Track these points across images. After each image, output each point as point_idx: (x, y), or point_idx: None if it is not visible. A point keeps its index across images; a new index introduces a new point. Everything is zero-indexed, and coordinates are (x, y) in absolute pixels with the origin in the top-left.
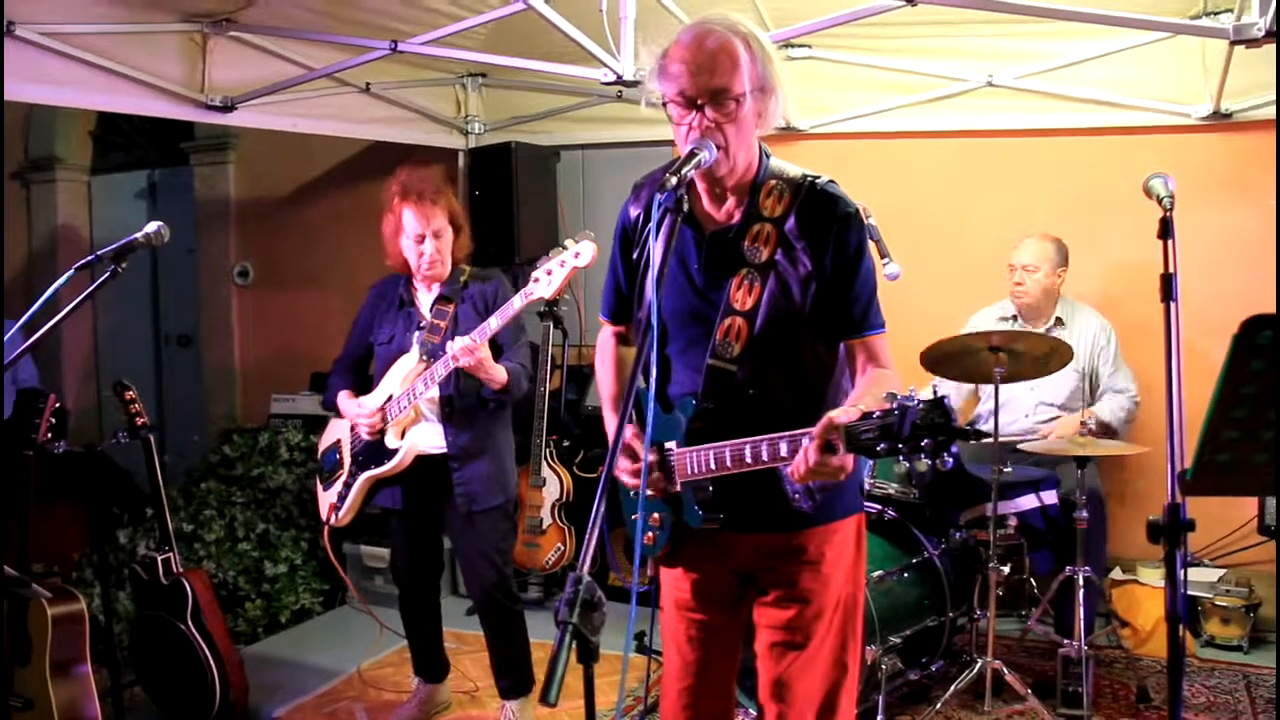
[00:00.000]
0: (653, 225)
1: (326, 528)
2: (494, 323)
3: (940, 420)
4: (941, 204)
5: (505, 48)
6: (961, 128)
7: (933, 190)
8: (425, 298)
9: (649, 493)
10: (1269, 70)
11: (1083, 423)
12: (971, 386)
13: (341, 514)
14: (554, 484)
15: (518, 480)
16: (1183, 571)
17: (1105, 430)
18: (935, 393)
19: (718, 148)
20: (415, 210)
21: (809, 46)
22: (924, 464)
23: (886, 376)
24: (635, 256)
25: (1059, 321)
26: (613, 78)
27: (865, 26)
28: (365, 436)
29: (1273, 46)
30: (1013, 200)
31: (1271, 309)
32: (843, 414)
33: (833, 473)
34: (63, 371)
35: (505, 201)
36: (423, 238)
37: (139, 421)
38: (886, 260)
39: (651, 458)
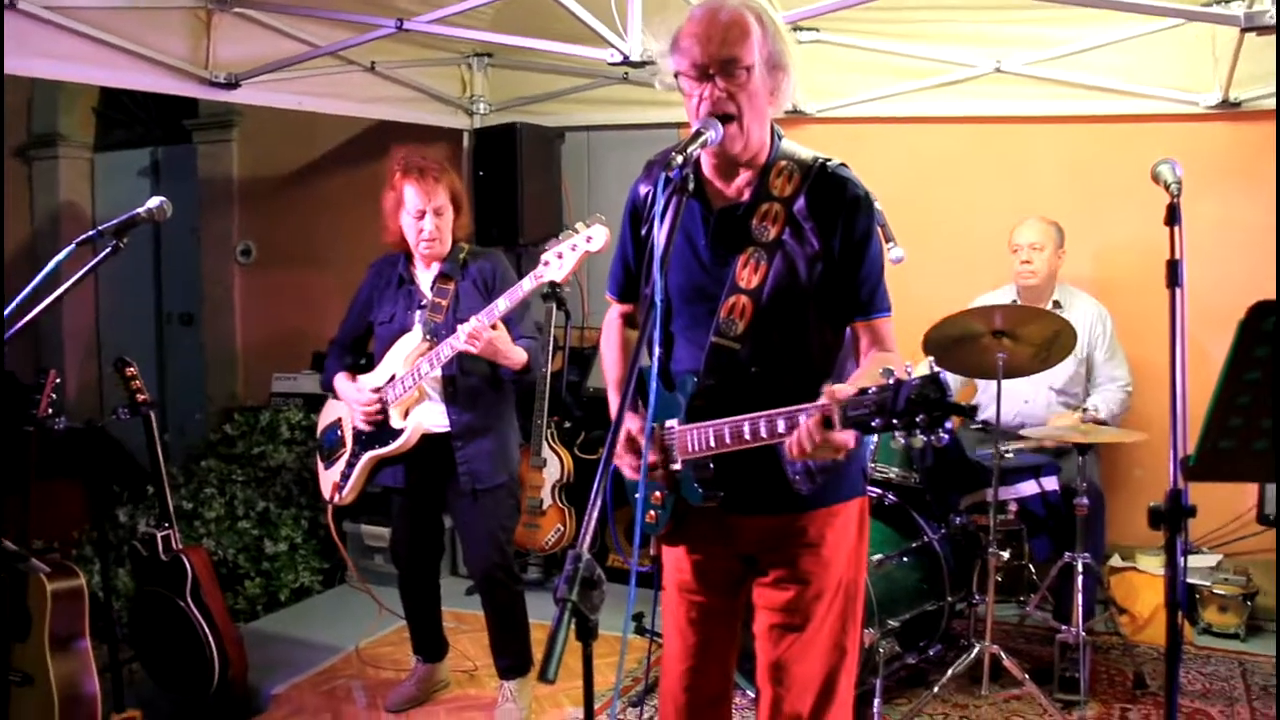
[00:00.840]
0: (658, 204)
1: (330, 507)
2: (503, 304)
3: (935, 396)
4: (947, 189)
5: (511, 27)
6: (969, 113)
7: (939, 175)
8: (425, 276)
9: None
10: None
11: (1081, 419)
12: None
13: (345, 493)
14: (554, 465)
15: (520, 459)
16: (1184, 560)
17: (1099, 423)
18: (932, 368)
19: (731, 117)
20: (417, 186)
21: (817, 30)
22: (919, 440)
23: (890, 359)
24: (644, 233)
25: (1056, 305)
26: (619, 58)
27: (873, 10)
28: (362, 426)
29: None
30: (1019, 186)
31: (1273, 297)
32: (840, 390)
33: (832, 450)
34: (64, 348)
35: (509, 182)
36: (423, 214)
37: (140, 398)
38: (891, 245)
39: (653, 458)
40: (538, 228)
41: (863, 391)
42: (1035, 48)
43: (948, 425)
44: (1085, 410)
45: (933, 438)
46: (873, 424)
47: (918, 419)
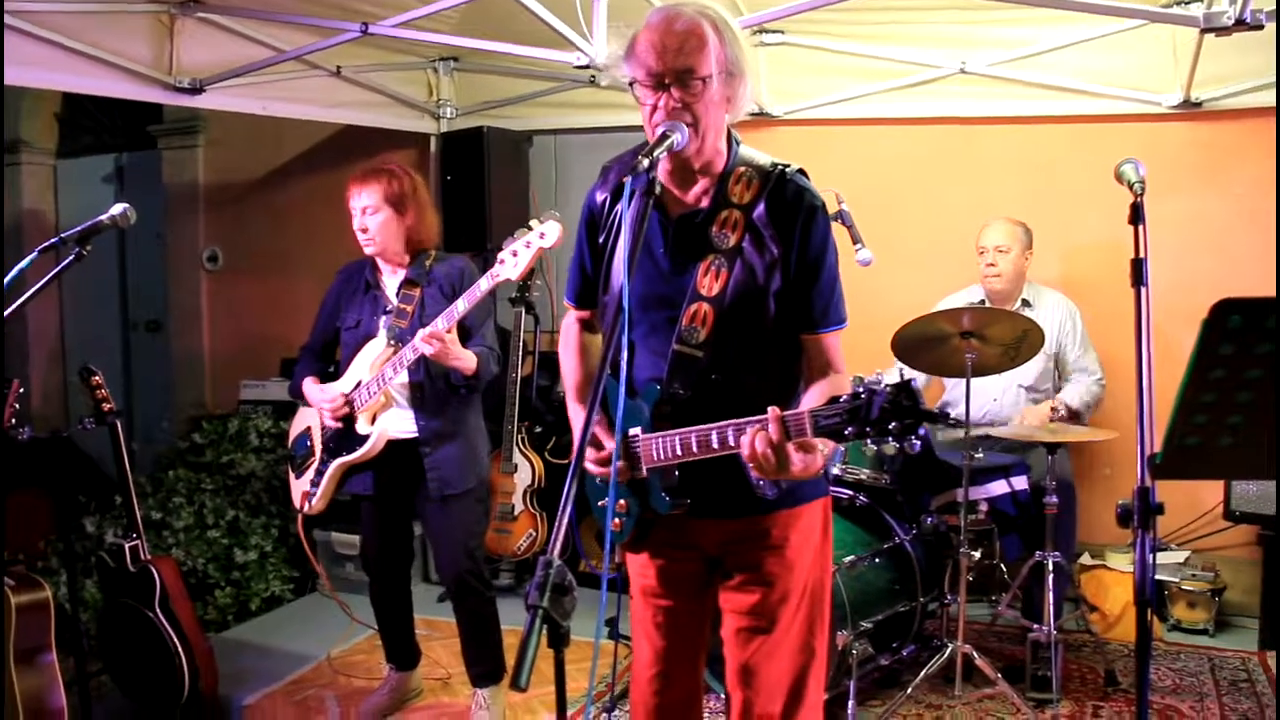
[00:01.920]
0: (624, 208)
1: (300, 515)
2: (461, 305)
3: (908, 403)
4: (914, 190)
5: (477, 31)
6: (934, 114)
7: (905, 177)
8: (391, 281)
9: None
10: (1239, 59)
11: (1053, 408)
12: None
13: (315, 502)
14: (525, 470)
15: (490, 465)
16: (1152, 557)
17: (1072, 416)
18: (901, 375)
19: (686, 127)
20: (354, 188)
21: (782, 32)
22: (892, 447)
23: (838, 385)
24: (601, 241)
25: (1025, 304)
26: (585, 61)
27: (838, 12)
28: (330, 423)
29: (1242, 36)
30: (984, 187)
31: (1237, 295)
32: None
33: (796, 470)
34: (29, 357)
35: (477, 186)
36: (354, 213)
37: (105, 407)
38: (859, 247)
39: (620, 462)
40: (506, 231)
41: (834, 400)
42: (1000, 49)
43: (921, 432)
44: (1055, 410)
45: (905, 445)
46: (846, 432)
47: (890, 426)
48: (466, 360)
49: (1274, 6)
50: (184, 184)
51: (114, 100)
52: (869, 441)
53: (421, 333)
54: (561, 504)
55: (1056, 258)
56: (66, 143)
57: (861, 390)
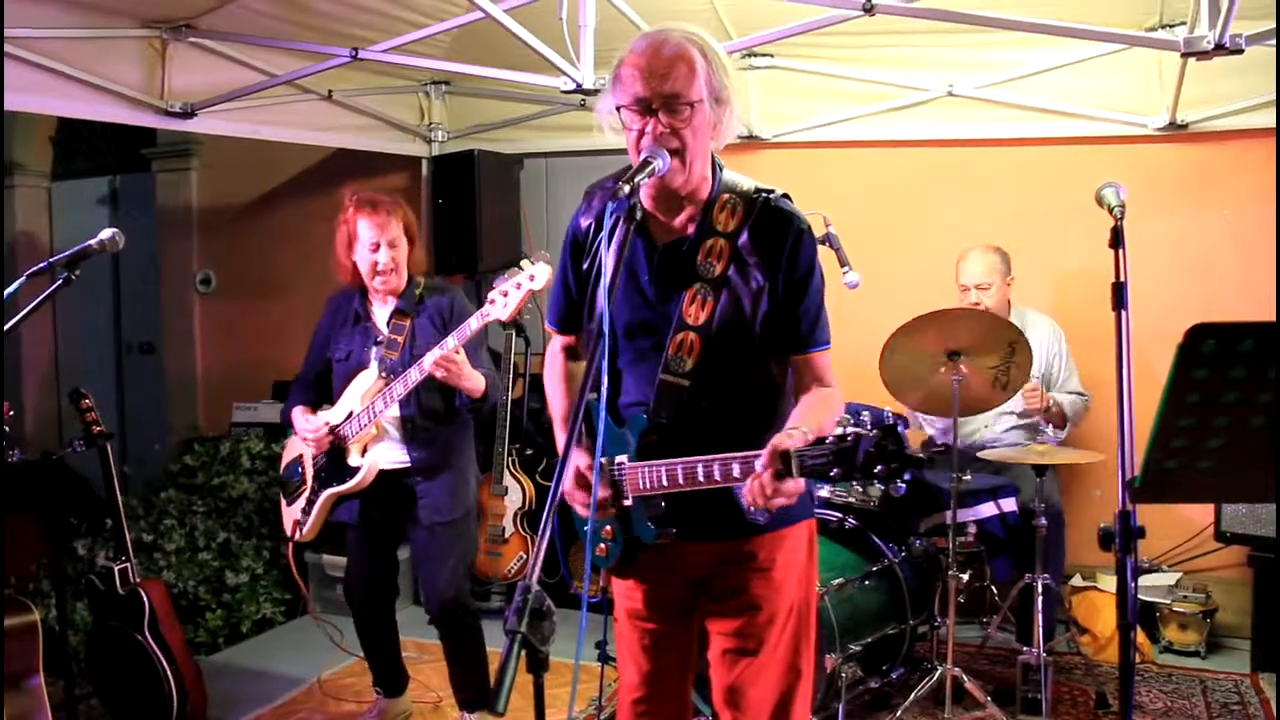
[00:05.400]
0: (604, 234)
1: (290, 542)
2: (451, 342)
3: (893, 448)
4: (902, 213)
5: (467, 55)
6: (922, 137)
7: (893, 199)
8: (381, 312)
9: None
10: (1224, 81)
11: (1033, 389)
12: None
13: (305, 530)
14: (516, 493)
15: (479, 493)
16: (1134, 582)
17: (1060, 417)
18: (890, 417)
19: (673, 154)
20: (370, 219)
21: (771, 56)
22: (877, 489)
23: (830, 396)
24: (585, 267)
25: None
26: (573, 86)
27: (827, 36)
28: (313, 454)
29: (1224, 60)
30: (973, 209)
31: (1222, 317)
32: (787, 439)
33: (789, 494)
34: (22, 379)
35: (468, 210)
36: (377, 246)
37: (95, 430)
38: (846, 269)
39: (605, 493)
40: (496, 255)
41: (819, 441)
42: (987, 71)
43: (906, 476)
44: (1038, 394)
45: (890, 488)
46: (832, 473)
47: (876, 470)
48: (475, 381)
49: (1254, 31)
50: (177, 207)
51: (108, 123)
52: (855, 483)
53: (430, 356)
54: (540, 530)
55: (1045, 279)
56: (61, 165)
57: (848, 433)
